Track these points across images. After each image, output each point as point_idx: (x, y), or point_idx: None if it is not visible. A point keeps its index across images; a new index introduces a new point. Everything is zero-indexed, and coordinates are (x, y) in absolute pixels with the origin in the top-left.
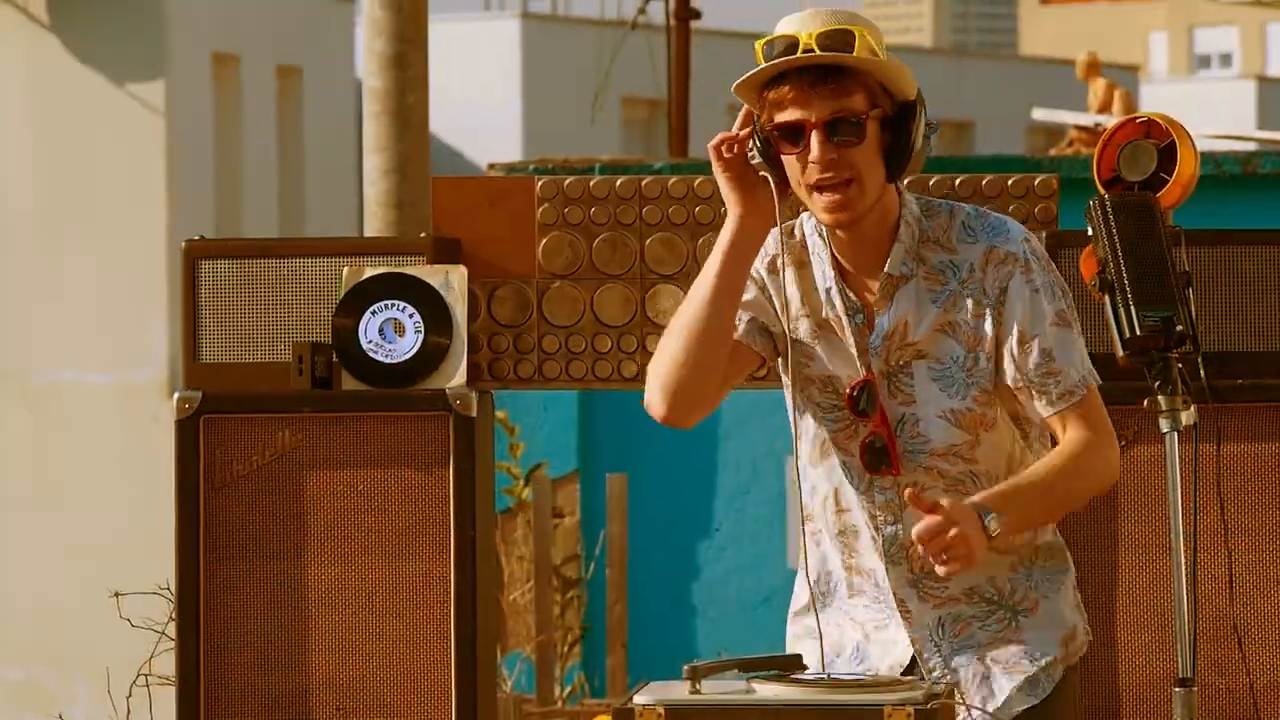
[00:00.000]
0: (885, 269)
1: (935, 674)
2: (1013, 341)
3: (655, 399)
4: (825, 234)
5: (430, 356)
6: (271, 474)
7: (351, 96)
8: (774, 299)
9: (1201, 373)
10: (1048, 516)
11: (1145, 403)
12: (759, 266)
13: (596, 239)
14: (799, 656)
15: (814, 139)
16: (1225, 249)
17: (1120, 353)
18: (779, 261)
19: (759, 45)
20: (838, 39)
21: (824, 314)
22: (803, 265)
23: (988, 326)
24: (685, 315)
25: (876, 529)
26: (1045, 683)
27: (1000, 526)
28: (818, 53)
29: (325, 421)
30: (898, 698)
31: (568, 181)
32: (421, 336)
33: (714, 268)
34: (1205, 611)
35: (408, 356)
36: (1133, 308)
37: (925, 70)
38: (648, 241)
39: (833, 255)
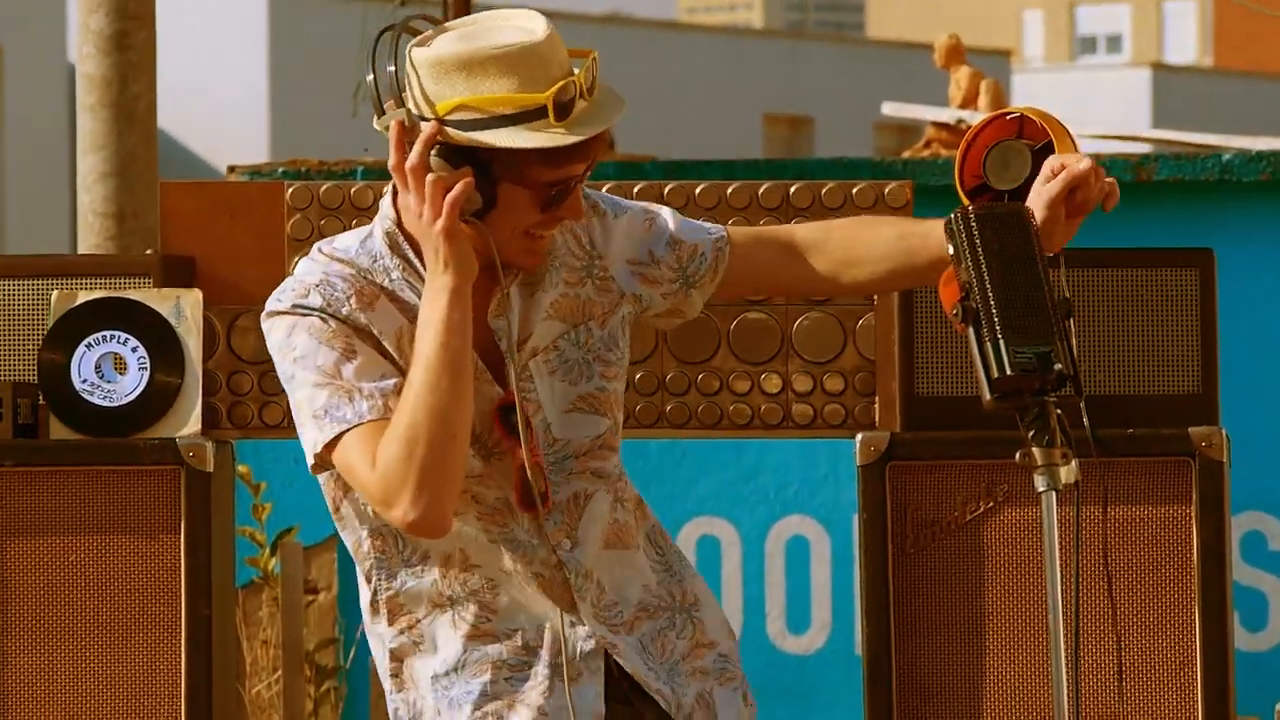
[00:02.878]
0: (505, 278)
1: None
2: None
3: (430, 507)
4: (399, 251)
5: (157, 399)
6: None
7: (63, 83)
8: (384, 339)
9: (1085, 420)
10: None
11: (1018, 456)
12: (344, 311)
13: None
14: None
15: (575, 192)
16: (1114, 271)
17: (987, 396)
18: (364, 296)
19: (548, 97)
20: (593, 71)
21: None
22: (394, 297)
23: (589, 290)
24: (445, 396)
25: (557, 564)
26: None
27: None
28: (600, 105)
29: (29, 477)
30: None
31: (324, 188)
32: (147, 374)
33: (445, 336)
34: (1089, 709)
35: (130, 399)
36: (1002, 342)
37: (755, 57)
38: None
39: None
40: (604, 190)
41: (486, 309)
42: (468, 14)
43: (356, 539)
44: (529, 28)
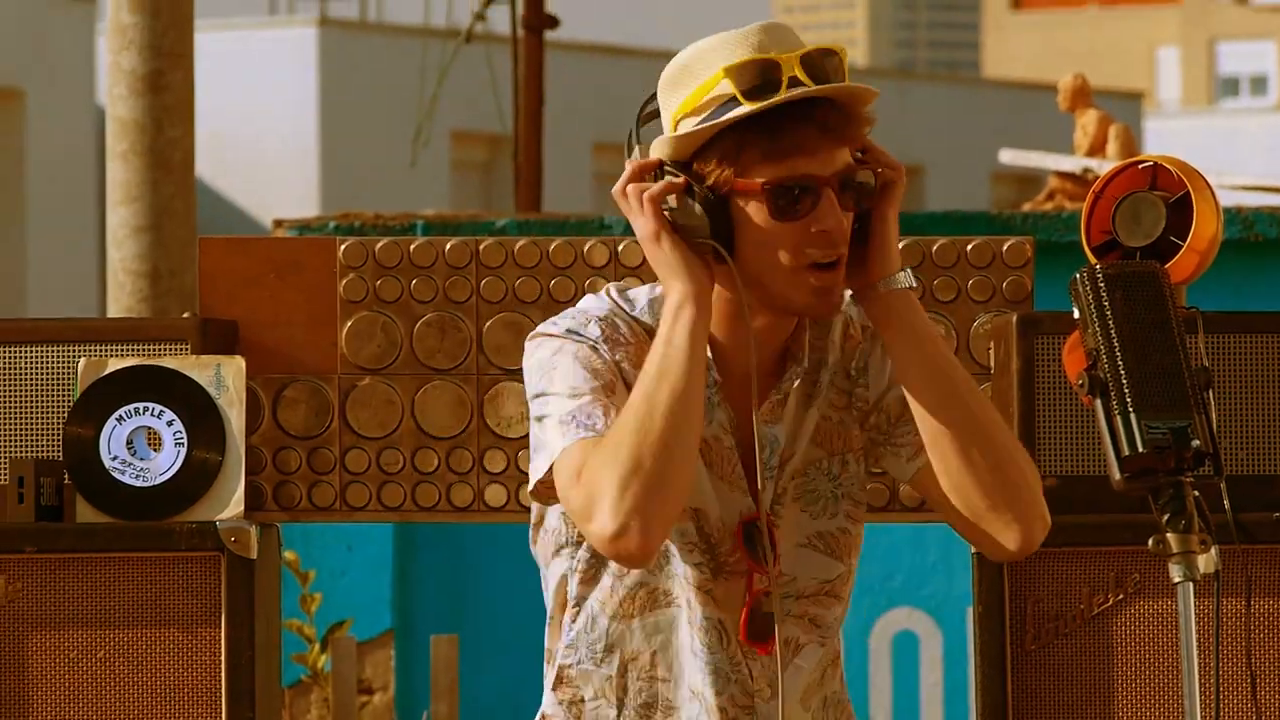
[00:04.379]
0: (786, 376)
1: None
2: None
3: (634, 528)
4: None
5: (195, 478)
6: None
7: (92, 128)
8: None
9: (1226, 503)
10: (948, 380)
11: (1151, 543)
12: (617, 355)
13: (419, 322)
14: None
15: (825, 202)
16: (1258, 337)
17: (1116, 475)
18: (641, 353)
19: (709, 82)
20: (830, 65)
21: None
22: None
23: (850, 419)
24: (664, 415)
25: (748, 708)
26: None
27: (911, 284)
28: (830, 84)
29: (53, 564)
30: None
31: (380, 244)
32: (183, 451)
33: (683, 354)
34: None
35: (165, 477)
36: (1133, 416)
37: None
38: (487, 325)
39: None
40: None
41: (754, 403)
42: (540, 46)
43: (558, 599)
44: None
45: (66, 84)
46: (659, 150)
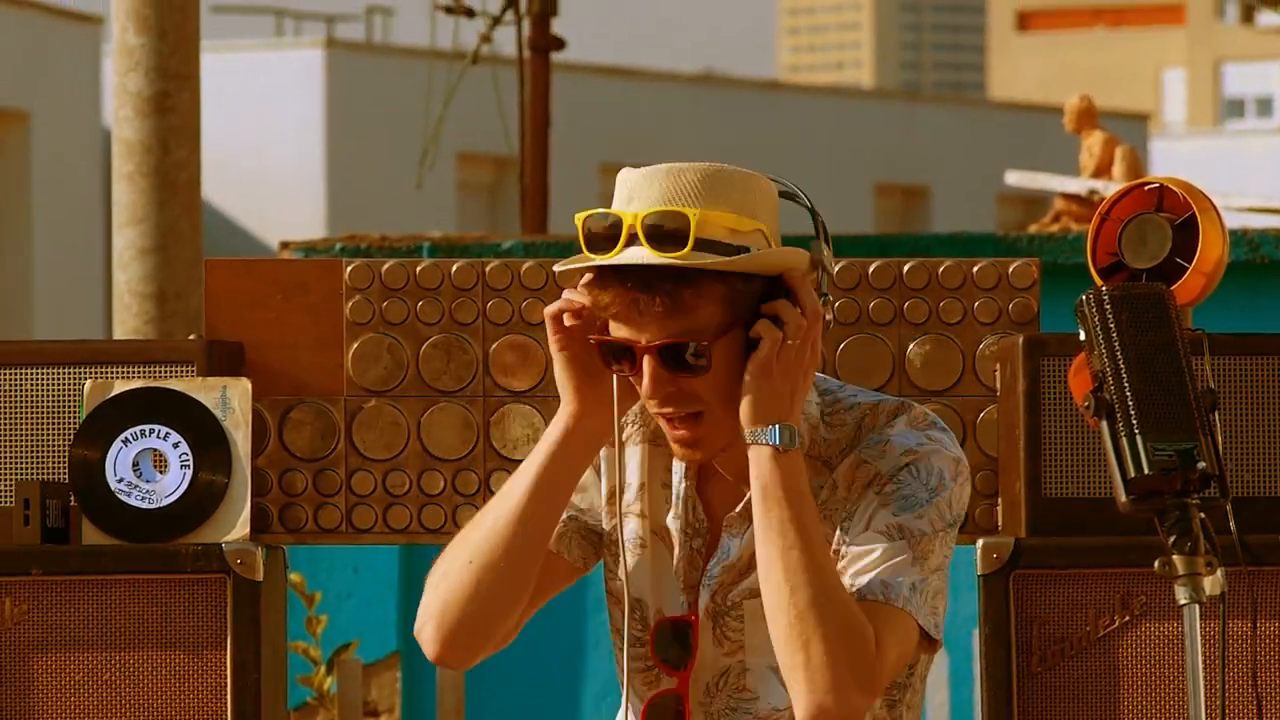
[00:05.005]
0: (746, 497)
1: None
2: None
3: (429, 632)
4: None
5: (201, 500)
6: None
7: (97, 149)
8: (605, 479)
9: (1232, 525)
10: (779, 547)
11: (1157, 565)
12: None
13: (425, 343)
14: None
15: (645, 367)
16: (1263, 359)
17: (1123, 497)
18: (625, 435)
19: (578, 220)
20: (672, 224)
21: (663, 519)
22: (656, 444)
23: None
24: (486, 529)
25: None
26: None
27: (785, 444)
28: (644, 250)
29: (59, 586)
30: None
31: (387, 266)
32: (189, 473)
33: (531, 473)
34: None
35: (171, 500)
36: (1139, 438)
37: (865, 121)
38: (493, 347)
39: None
40: None
41: (728, 505)
42: (546, 68)
43: None
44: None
45: (72, 105)
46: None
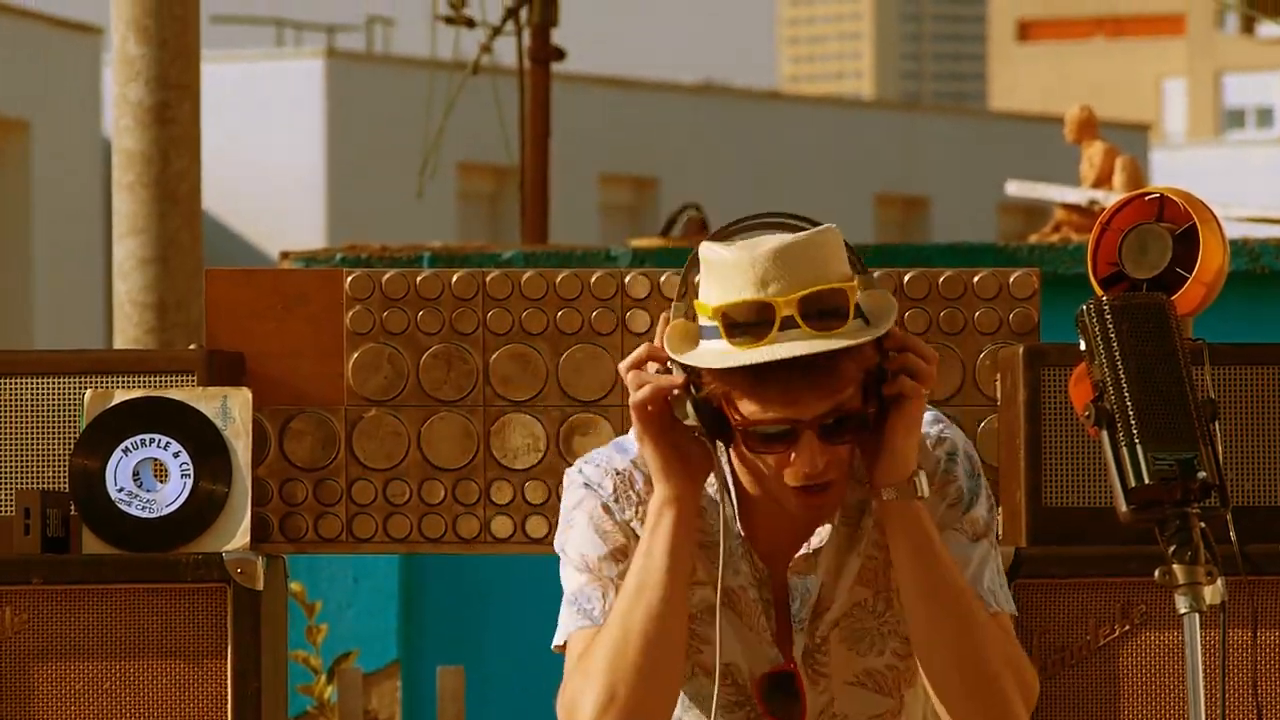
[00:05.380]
0: (814, 539)
1: None
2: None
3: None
4: (730, 480)
5: (202, 509)
6: None
7: (98, 160)
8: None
9: (1232, 534)
10: (937, 600)
11: (1157, 574)
12: (627, 515)
13: (425, 353)
14: None
15: (805, 443)
16: (1263, 369)
17: (1123, 507)
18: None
19: (717, 309)
20: (828, 305)
21: (726, 580)
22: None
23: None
24: (639, 626)
25: None
26: None
27: (920, 493)
28: (810, 337)
29: (59, 595)
30: None
31: (387, 276)
32: (190, 483)
33: (661, 567)
34: None
35: (171, 509)
36: (1139, 448)
37: (866, 131)
38: (493, 356)
39: (735, 506)
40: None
41: (791, 554)
42: (546, 78)
43: None
44: (792, 230)
45: (72, 115)
46: (669, 338)
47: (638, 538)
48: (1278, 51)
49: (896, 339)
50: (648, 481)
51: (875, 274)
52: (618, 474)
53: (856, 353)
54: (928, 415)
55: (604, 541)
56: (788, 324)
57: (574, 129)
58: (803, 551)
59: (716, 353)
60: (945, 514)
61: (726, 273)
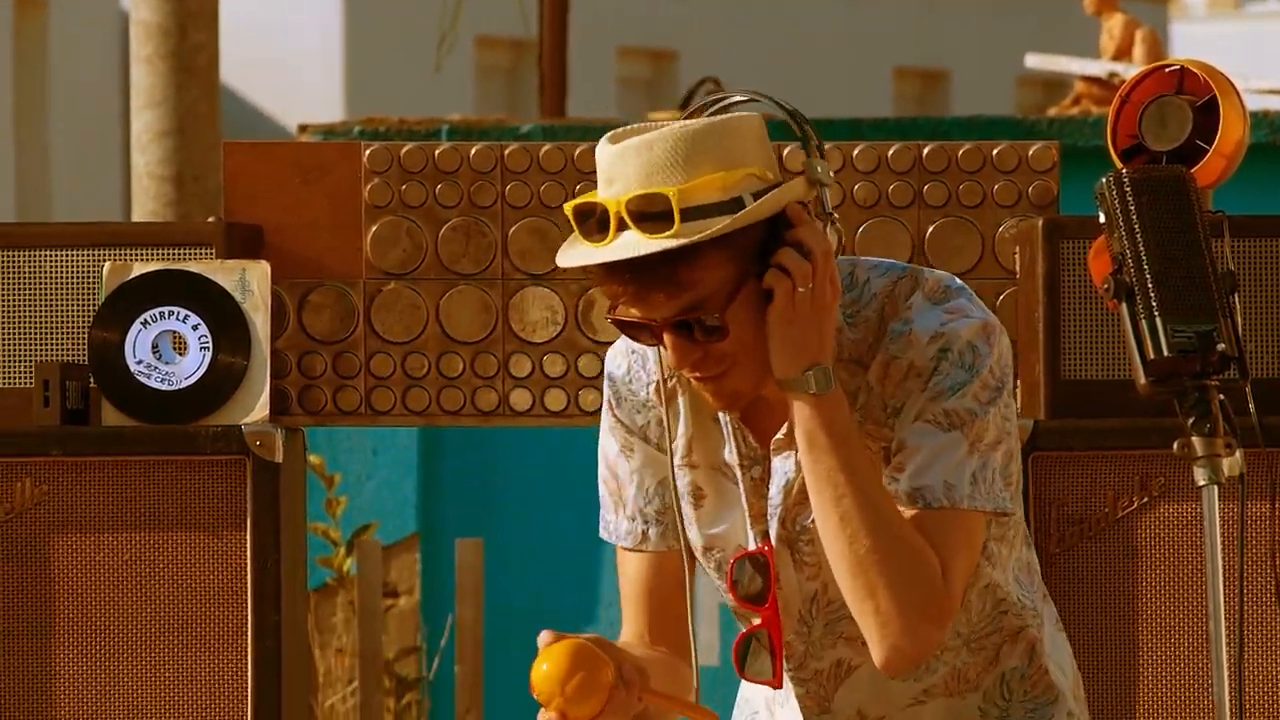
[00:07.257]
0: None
1: None
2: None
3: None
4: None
5: (220, 382)
6: (8, 537)
7: (115, 32)
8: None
9: (1251, 406)
10: (831, 493)
11: (1176, 446)
12: (640, 395)
13: (444, 226)
14: None
15: (667, 342)
16: None
17: (1142, 379)
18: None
19: (567, 210)
20: (654, 205)
21: (721, 454)
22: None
23: (880, 455)
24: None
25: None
26: None
27: (820, 388)
28: (635, 235)
29: (79, 467)
30: None
31: (405, 150)
32: (209, 355)
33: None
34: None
35: (190, 382)
36: (1159, 320)
37: (884, 4)
38: (512, 230)
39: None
40: None
41: (775, 428)
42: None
43: None
44: (669, 122)
45: None
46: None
47: (640, 431)
48: None
49: (791, 221)
50: (656, 363)
51: (820, 159)
52: (633, 353)
53: (695, 255)
54: (942, 307)
55: (613, 436)
56: (622, 225)
57: (592, 2)
58: (783, 431)
59: (578, 251)
60: (924, 405)
61: (599, 167)
